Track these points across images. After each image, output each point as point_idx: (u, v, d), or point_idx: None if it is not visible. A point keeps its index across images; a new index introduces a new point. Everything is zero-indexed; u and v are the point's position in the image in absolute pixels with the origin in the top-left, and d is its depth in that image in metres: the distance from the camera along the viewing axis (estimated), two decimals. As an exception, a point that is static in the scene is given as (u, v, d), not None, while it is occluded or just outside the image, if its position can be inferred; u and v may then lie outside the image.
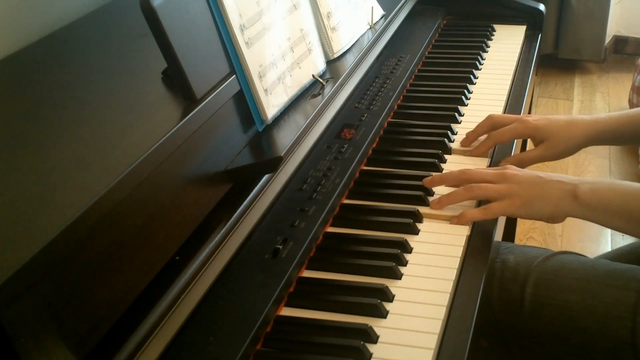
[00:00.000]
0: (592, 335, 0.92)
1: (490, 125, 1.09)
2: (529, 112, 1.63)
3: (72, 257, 0.60)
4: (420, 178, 1.00)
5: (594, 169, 2.45)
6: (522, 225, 2.15)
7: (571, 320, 0.94)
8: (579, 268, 0.97)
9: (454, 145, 1.11)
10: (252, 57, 0.90)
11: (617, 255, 1.17)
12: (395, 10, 1.38)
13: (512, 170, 0.94)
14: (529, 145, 1.17)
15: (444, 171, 1.04)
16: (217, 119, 0.84)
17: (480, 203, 0.96)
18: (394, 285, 0.81)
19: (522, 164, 1.06)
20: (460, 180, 0.96)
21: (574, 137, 1.05)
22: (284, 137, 0.91)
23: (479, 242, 0.90)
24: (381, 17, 1.34)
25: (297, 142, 0.92)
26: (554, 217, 0.92)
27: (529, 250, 1.03)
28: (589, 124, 1.06)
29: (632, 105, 2.71)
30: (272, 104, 0.93)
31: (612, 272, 0.96)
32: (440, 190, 0.99)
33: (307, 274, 0.84)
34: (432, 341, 0.73)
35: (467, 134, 1.10)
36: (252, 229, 0.83)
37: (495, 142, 1.08)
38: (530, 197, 0.91)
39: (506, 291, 0.98)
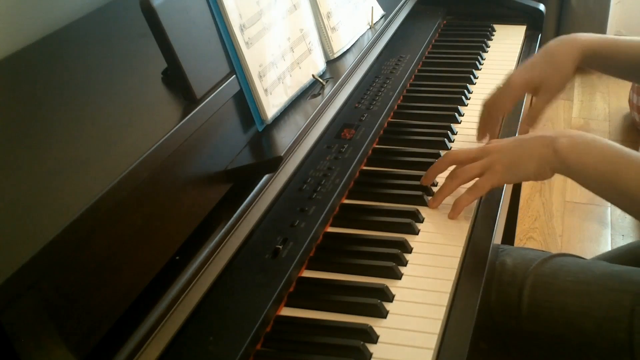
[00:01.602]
0: (589, 337, 0.92)
1: (488, 112, 1.10)
2: (529, 112, 1.63)
3: (72, 257, 0.60)
4: (420, 178, 1.00)
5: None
6: (522, 225, 2.15)
7: (569, 323, 0.94)
8: (576, 271, 0.97)
9: (454, 145, 1.11)
10: (252, 57, 0.90)
11: (616, 256, 1.17)
12: (395, 10, 1.38)
13: (493, 142, 0.94)
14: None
15: (444, 171, 1.04)
16: (217, 119, 0.84)
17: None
18: (394, 285, 0.81)
19: (537, 115, 1.08)
20: (447, 163, 0.96)
21: (561, 63, 1.05)
22: (284, 137, 0.91)
23: (479, 242, 0.90)
24: (381, 17, 1.34)
25: (297, 142, 0.92)
26: (540, 174, 0.89)
27: (526, 252, 1.03)
28: (571, 45, 1.06)
29: (632, 105, 2.70)
30: (272, 104, 0.93)
31: (609, 275, 0.96)
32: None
33: (307, 274, 0.84)
34: (432, 341, 0.73)
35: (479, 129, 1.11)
36: (252, 229, 0.83)
37: (501, 111, 1.09)
38: (512, 159, 0.90)
39: (504, 294, 0.98)
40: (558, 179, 2.37)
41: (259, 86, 0.90)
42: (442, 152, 1.08)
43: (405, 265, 0.85)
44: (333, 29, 1.13)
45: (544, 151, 0.88)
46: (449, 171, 0.97)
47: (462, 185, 0.95)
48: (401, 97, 1.25)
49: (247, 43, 0.89)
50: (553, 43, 1.07)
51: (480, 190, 0.92)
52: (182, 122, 0.75)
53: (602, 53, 1.06)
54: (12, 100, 0.87)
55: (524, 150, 0.90)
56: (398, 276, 0.83)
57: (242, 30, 0.88)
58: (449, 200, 0.95)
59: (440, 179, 0.99)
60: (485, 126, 1.10)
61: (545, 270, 0.97)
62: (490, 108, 1.09)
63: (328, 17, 1.12)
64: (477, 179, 0.93)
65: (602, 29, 3.08)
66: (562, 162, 0.86)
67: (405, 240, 0.88)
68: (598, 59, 1.07)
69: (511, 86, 1.06)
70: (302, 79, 1.01)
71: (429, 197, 0.97)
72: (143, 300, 0.67)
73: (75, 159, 0.70)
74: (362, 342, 0.72)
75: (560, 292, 0.95)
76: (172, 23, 0.77)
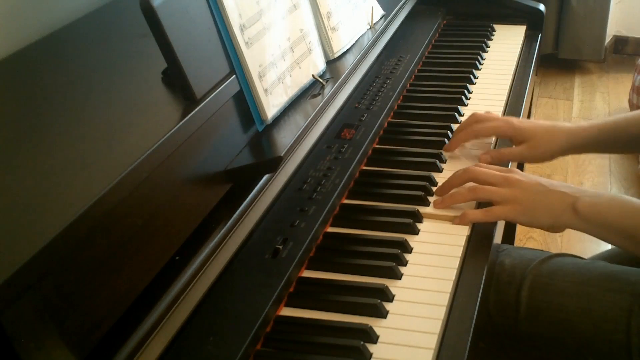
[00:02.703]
0: (587, 338, 0.92)
1: (473, 122, 1.09)
2: (529, 112, 1.63)
3: (72, 256, 0.60)
4: (420, 178, 1.00)
5: (594, 169, 2.45)
6: (522, 226, 2.14)
7: (566, 324, 0.94)
8: (575, 271, 0.97)
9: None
10: (252, 57, 0.90)
11: (614, 255, 1.17)
12: (395, 10, 1.38)
13: (516, 175, 0.94)
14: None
15: (443, 171, 1.04)
16: (217, 119, 0.84)
17: (480, 203, 0.96)
18: (394, 285, 0.81)
19: (502, 159, 1.07)
20: (465, 180, 0.96)
21: (555, 142, 1.06)
22: (284, 137, 0.91)
23: (479, 242, 0.90)
24: (381, 17, 1.34)
25: (297, 142, 0.92)
26: (553, 228, 0.93)
27: (525, 252, 1.03)
28: (570, 131, 1.06)
29: (632, 105, 2.71)
30: (272, 104, 0.93)
31: (607, 275, 0.96)
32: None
33: (307, 274, 0.84)
34: (432, 341, 0.73)
35: (451, 138, 1.10)
36: (252, 229, 0.83)
37: (476, 134, 1.08)
38: (533, 205, 0.92)
39: (502, 295, 0.98)
40: (557, 176, 2.37)
41: (259, 86, 0.90)
42: (443, 152, 1.08)
43: (405, 265, 0.85)
44: (333, 29, 1.13)
45: (564, 209, 0.91)
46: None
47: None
48: (401, 97, 1.25)
49: (247, 43, 0.89)
50: (562, 124, 1.08)
51: (494, 217, 0.93)
52: (182, 122, 0.75)
53: (599, 139, 1.06)
54: (12, 100, 0.87)
55: (545, 200, 0.92)
56: (398, 276, 0.83)
57: (242, 30, 0.88)
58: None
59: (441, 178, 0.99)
60: (459, 141, 1.09)
61: (544, 270, 0.98)
62: (473, 120, 1.08)
63: (328, 17, 1.12)
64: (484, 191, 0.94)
65: (602, 29, 3.08)
66: (583, 220, 0.90)
67: (405, 240, 0.88)
68: (597, 144, 1.07)
69: (507, 122, 1.07)
70: (302, 79, 1.01)
71: (431, 198, 0.97)
72: (143, 300, 0.67)
73: (75, 159, 0.70)
74: (362, 342, 0.72)
75: (558, 293, 0.95)
76: (172, 23, 0.77)
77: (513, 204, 0.92)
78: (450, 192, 0.96)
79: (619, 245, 0.93)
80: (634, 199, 0.91)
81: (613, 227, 0.89)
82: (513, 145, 1.09)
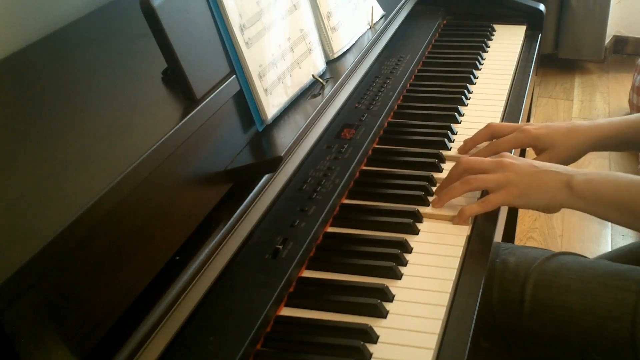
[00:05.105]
0: (591, 336, 0.92)
1: (489, 134, 1.07)
2: (529, 112, 1.63)
3: (72, 257, 0.60)
4: (420, 178, 1.00)
5: (594, 169, 2.45)
6: (522, 225, 2.15)
7: (571, 321, 0.94)
8: (579, 269, 0.97)
9: (454, 146, 1.11)
10: (252, 57, 0.90)
11: (617, 256, 1.17)
12: (395, 10, 1.38)
13: (508, 158, 0.94)
14: (529, 151, 1.18)
15: (444, 171, 1.04)
16: (217, 119, 0.84)
17: (482, 196, 0.96)
18: (394, 285, 0.81)
19: None
20: (460, 172, 0.96)
21: (576, 145, 1.05)
22: (284, 137, 0.91)
23: (479, 242, 0.90)
24: (381, 17, 1.34)
25: (297, 142, 0.92)
26: (549, 208, 0.93)
27: (529, 251, 1.03)
28: (590, 130, 1.05)
29: (632, 105, 2.71)
30: (272, 104, 0.93)
31: (611, 273, 0.96)
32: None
33: (307, 274, 0.84)
34: (432, 341, 0.73)
35: (465, 141, 1.09)
36: (252, 229, 0.83)
37: (494, 151, 1.05)
38: (527, 187, 0.91)
39: (506, 292, 0.98)
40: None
41: (259, 86, 0.90)
42: (443, 152, 1.08)
43: (405, 265, 0.85)
44: (333, 29, 1.13)
45: (559, 188, 0.90)
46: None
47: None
48: (401, 97, 1.25)
49: (247, 43, 0.89)
50: (580, 123, 1.07)
51: (491, 205, 0.93)
52: (182, 122, 0.75)
53: (618, 137, 1.06)
54: (12, 100, 0.87)
55: (540, 182, 0.91)
56: (398, 276, 0.83)
57: (242, 30, 0.88)
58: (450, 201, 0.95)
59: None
60: (475, 144, 1.08)
61: (548, 268, 0.98)
62: (493, 135, 1.07)
63: (328, 17, 1.12)
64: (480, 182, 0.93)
65: (602, 29, 3.09)
66: (579, 197, 0.90)
67: (405, 240, 0.88)
68: (615, 142, 1.07)
69: (523, 132, 1.05)
70: (302, 79, 1.01)
71: (431, 198, 0.97)
72: (143, 300, 0.67)
73: (76, 159, 0.70)
74: (362, 342, 0.72)
75: (563, 291, 0.95)
76: (172, 23, 0.77)
77: (507, 188, 0.91)
78: (445, 189, 0.95)
79: (617, 221, 0.92)
80: (629, 174, 0.90)
81: (610, 202, 0.89)
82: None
